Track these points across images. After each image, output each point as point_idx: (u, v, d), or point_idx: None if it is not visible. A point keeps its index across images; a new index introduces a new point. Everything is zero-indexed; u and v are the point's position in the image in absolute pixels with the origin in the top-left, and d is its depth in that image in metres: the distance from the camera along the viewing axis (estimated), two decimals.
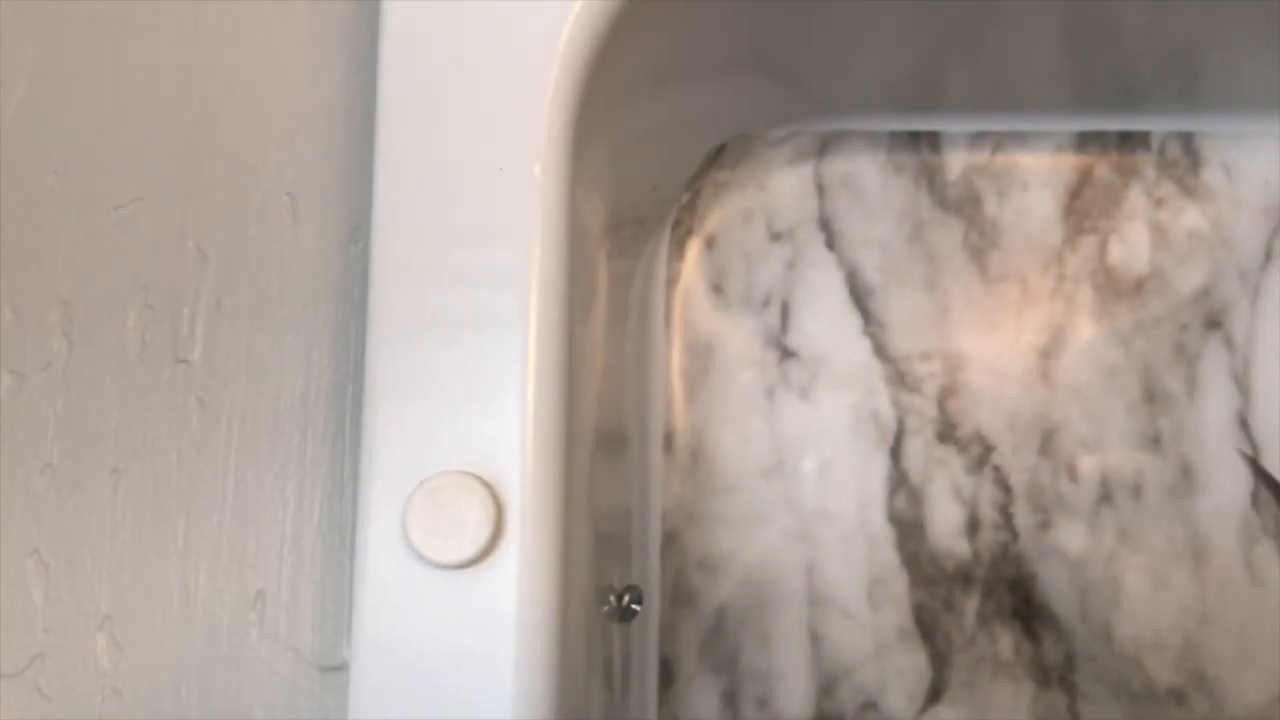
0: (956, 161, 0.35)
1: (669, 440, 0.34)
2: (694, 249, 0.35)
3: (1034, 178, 0.34)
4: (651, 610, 0.34)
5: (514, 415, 0.21)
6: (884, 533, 0.34)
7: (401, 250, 0.22)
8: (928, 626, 0.34)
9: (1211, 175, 0.34)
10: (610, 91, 0.26)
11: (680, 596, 0.34)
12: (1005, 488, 0.33)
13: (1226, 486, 0.33)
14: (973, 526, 0.33)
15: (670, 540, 0.34)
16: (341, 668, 0.23)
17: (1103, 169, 0.34)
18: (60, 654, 0.25)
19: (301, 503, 0.25)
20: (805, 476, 0.34)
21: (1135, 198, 0.34)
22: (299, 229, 0.26)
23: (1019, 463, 0.33)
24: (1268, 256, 0.34)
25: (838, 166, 0.35)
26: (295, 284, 0.26)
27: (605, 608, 0.29)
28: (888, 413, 0.34)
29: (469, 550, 0.21)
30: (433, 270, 0.22)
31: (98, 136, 0.27)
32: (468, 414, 0.21)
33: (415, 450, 0.21)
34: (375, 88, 0.23)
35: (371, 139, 0.23)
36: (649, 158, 0.32)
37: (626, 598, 0.30)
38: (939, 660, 0.34)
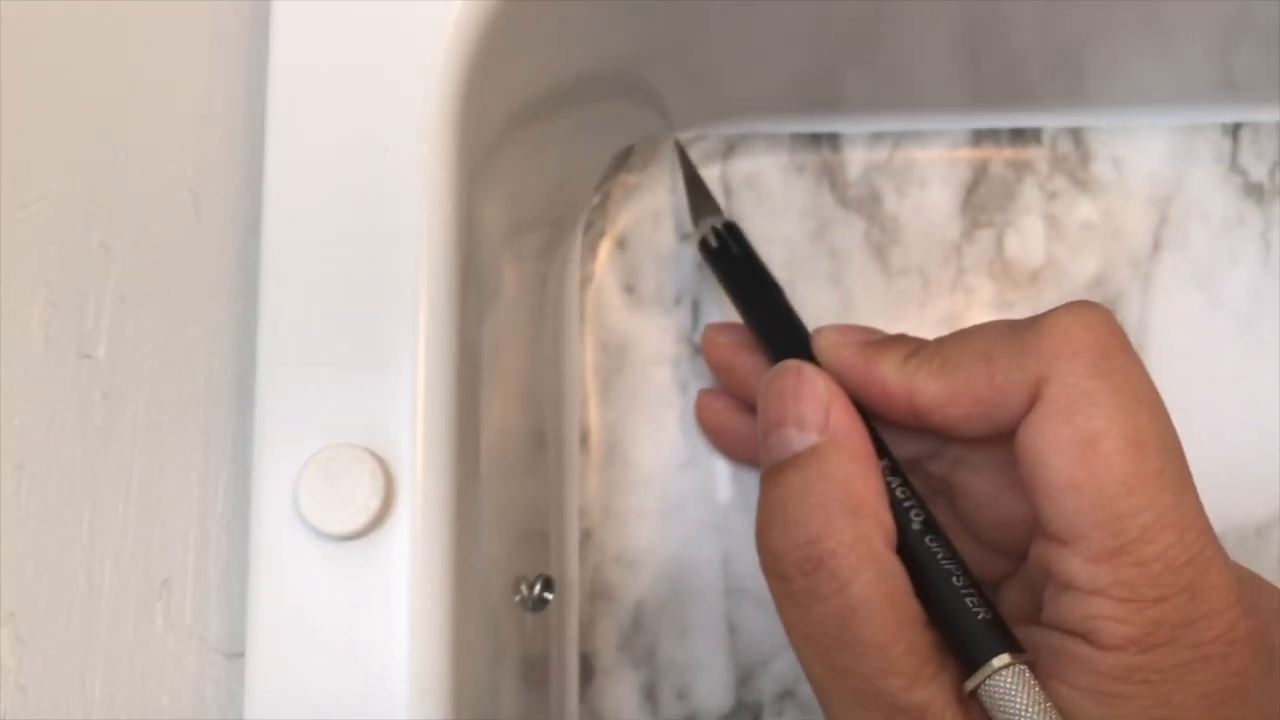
0: (856, 161, 0.36)
1: (585, 437, 0.35)
2: (605, 250, 0.36)
3: (931, 175, 0.36)
4: (571, 607, 0.35)
5: (404, 391, 0.22)
6: None
7: (292, 230, 0.22)
8: None
9: (1101, 168, 0.36)
10: (504, 86, 0.26)
11: (598, 592, 0.35)
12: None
13: None
14: None
15: (587, 536, 0.35)
16: (245, 654, 0.23)
17: (997, 165, 0.36)
18: None
19: (206, 491, 0.26)
20: (719, 468, 0.35)
21: (1029, 191, 0.36)
22: (200, 224, 0.26)
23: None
24: (1156, 245, 0.35)
25: (743, 168, 0.36)
26: (198, 277, 0.26)
27: (517, 598, 0.30)
28: None
29: (359, 520, 0.21)
30: (324, 249, 0.22)
31: (1, 138, 0.27)
32: (359, 390, 0.22)
33: (307, 425, 0.22)
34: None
35: None
36: (554, 159, 0.33)
37: (538, 586, 0.30)
38: None
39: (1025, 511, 0.26)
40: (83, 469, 0.26)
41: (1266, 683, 0.23)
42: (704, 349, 0.33)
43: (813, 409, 0.26)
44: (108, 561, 0.26)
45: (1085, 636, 0.23)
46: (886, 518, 0.25)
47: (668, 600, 0.35)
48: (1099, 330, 0.24)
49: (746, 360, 0.32)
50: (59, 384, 0.26)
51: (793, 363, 0.27)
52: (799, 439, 0.25)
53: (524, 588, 0.30)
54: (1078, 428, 0.23)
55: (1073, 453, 0.23)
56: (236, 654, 0.25)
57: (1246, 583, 0.24)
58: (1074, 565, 0.23)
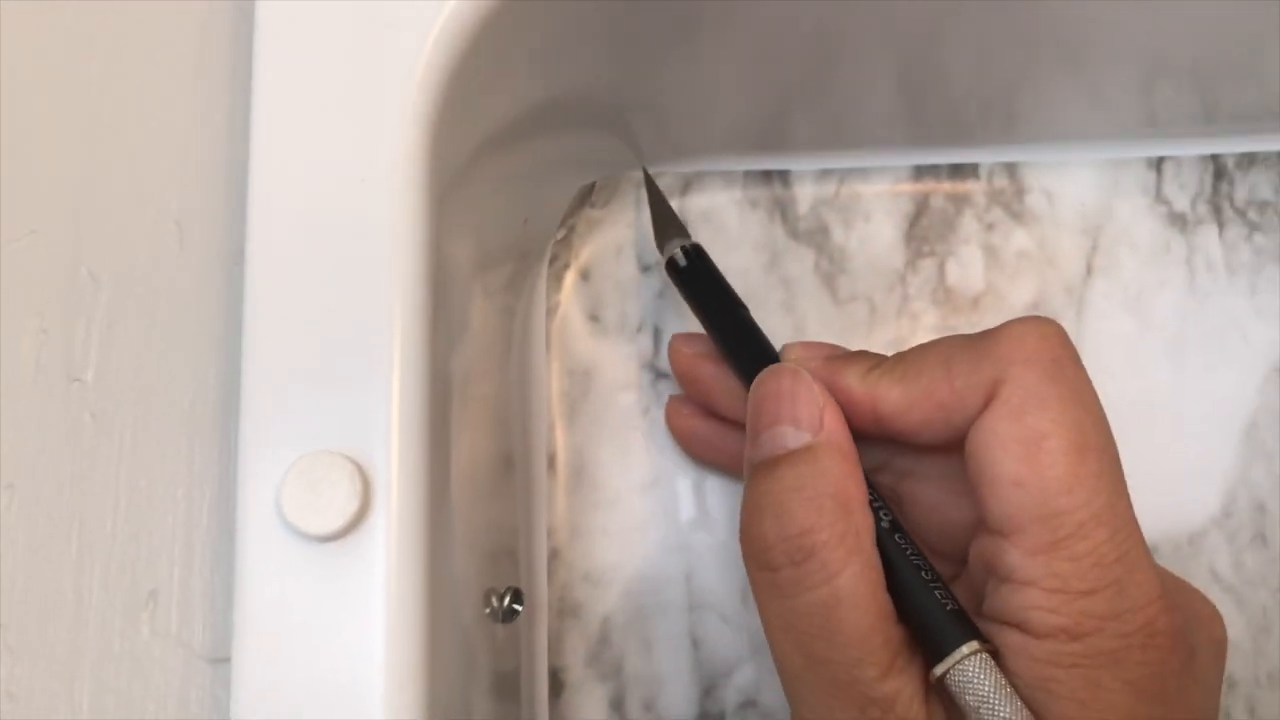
0: (806, 196, 0.38)
1: (552, 460, 0.37)
2: (570, 281, 0.38)
3: (876, 208, 0.38)
4: (540, 623, 0.36)
5: (380, 406, 0.24)
6: None
7: (274, 256, 0.24)
8: None
9: (1035, 201, 0.38)
10: (472, 121, 0.28)
11: (566, 609, 0.36)
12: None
13: None
14: None
15: (555, 555, 0.36)
16: (229, 659, 0.24)
17: (937, 198, 0.38)
18: None
19: (190, 507, 0.27)
20: (682, 489, 0.36)
21: (968, 223, 0.38)
22: (186, 254, 0.28)
23: None
24: (1088, 271, 0.38)
25: (699, 203, 0.38)
26: (183, 305, 0.28)
27: (488, 610, 0.31)
28: None
29: (339, 522, 0.22)
30: (305, 273, 0.24)
31: None
32: (337, 405, 0.24)
33: (290, 436, 0.23)
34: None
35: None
36: (519, 196, 0.35)
37: (507, 598, 0.32)
38: None
39: (968, 517, 0.27)
40: (71, 487, 0.27)
41: (1186, 677, 0.25)
42: (670, 358, 0.35)
43: (809, 410, 0.27)
44: (95, 575, 0.27)
45: (1020, 627, 0.25)
46: (869, 517, 0.26)
47: (633, 616, 0.36)
48: (1052, 340, 0.26)
49: (710, 370, 0.33)
50: (49, 407, 0.28)
51: (788, 366, 0.29)
52: (794, 437, 0.27)
53: (494, 600, 0.31)
54: (1026, 427, 0.25)
55: (1019, 450, 0.25)
56: (220, 659, 0.26)
57: (1172, 588, 0.26)
58: (1013, 558, 0.25)
